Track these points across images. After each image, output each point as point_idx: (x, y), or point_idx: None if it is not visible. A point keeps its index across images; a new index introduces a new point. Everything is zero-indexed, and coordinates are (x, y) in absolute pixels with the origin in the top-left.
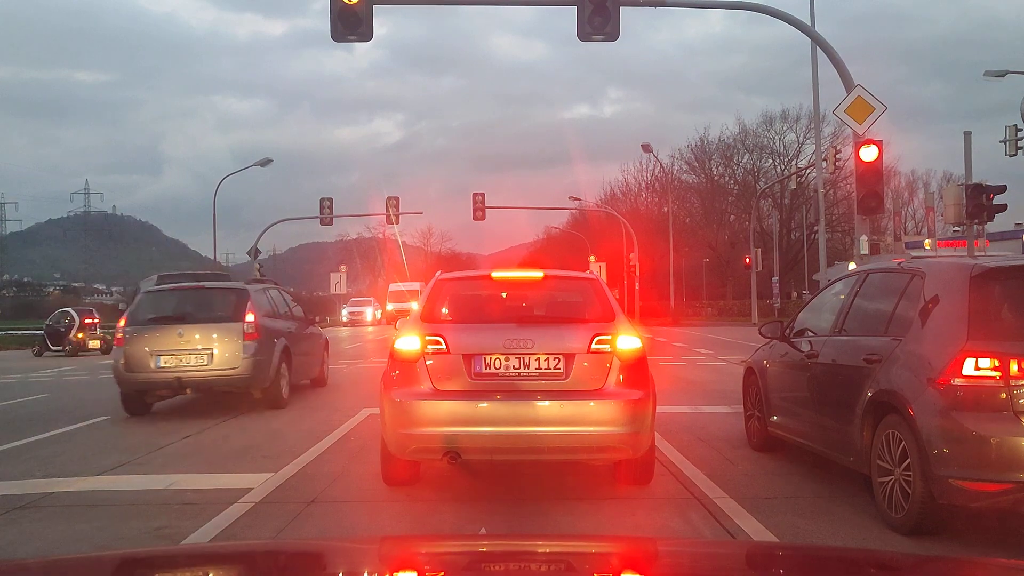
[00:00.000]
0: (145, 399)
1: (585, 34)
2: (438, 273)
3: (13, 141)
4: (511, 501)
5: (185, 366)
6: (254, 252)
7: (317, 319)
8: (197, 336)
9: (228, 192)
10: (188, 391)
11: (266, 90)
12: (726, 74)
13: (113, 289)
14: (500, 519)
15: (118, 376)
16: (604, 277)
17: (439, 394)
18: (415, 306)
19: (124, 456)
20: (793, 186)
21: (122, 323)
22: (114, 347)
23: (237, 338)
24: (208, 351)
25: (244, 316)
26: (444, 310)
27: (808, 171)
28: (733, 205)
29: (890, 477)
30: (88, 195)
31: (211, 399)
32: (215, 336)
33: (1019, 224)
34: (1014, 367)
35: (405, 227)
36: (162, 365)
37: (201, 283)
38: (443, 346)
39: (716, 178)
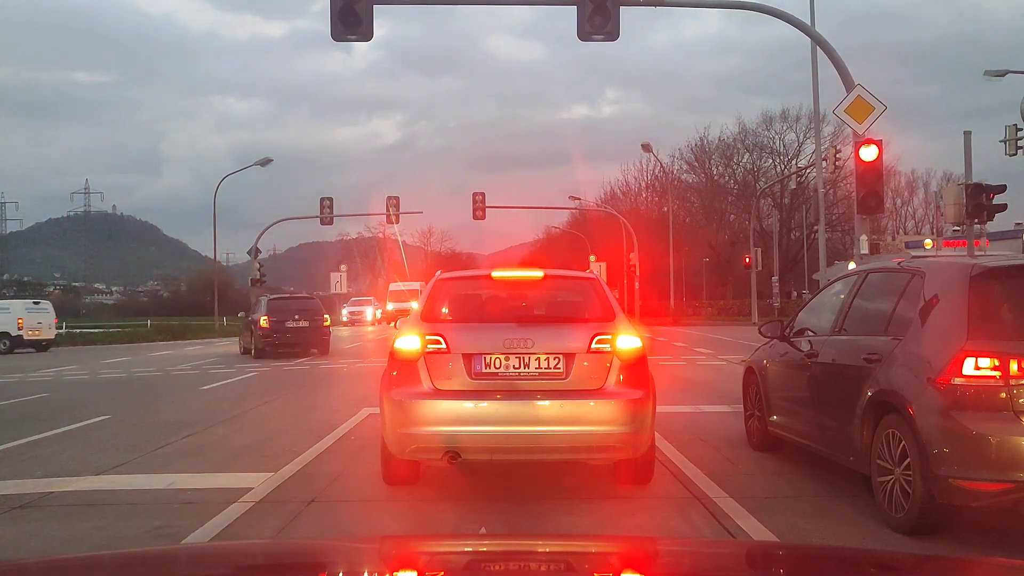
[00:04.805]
0: None
1: (585, 33)
2: (438, 272)
3: (13, 141)
4: (511, 501)
5: None
6: (254, 252)
7: None
8: None
9: (228, 192)
10: None
11: (265, 91)
12: (724, 75)
13: (113, 288)
14: (500, 519)
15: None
16: (604, 277)
17: (439, 393)
18: (415, 305)
19: (124, 456)
20: (793, 186)
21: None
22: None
23: None
24: None
25: None
26: (444, 309)
27: (808, 171)
28: (733, 205)
29: (890, 477)
30: (88, 195)
31: (212, 398)
32: None
33: (1019, 224)
34: (1014, 367)
35: (405, 227)
36: None
37: None
38: (443, 345)
39: (716, 178)
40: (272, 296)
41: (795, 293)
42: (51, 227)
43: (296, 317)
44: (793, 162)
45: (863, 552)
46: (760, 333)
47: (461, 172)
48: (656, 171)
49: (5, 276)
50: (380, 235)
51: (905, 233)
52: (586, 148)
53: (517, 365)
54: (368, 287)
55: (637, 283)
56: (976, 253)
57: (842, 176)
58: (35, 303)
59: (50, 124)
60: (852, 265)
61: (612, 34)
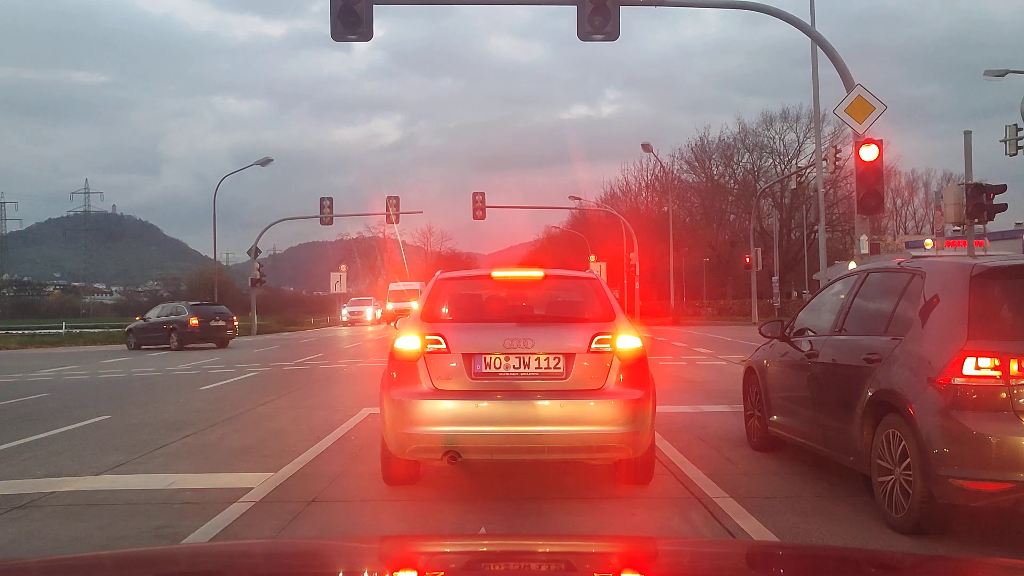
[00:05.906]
0: None
1: (585, 33)
2: (438, 272)
3: (13, 141)
4: (511, 501)
5: None
6: (254, 252)
7: None
8: None
9: (228, 192)
10: None
11: (265, 91)
12: (724, 75)
13: (113, 288)
14: (500, 519)
15: None
16: (604, 277)
17: (439, 393)
18: (415, 305)
19: (124, 456)
20: (793, 186)
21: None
22: None
23: None
24: None
25: None
26: (444, 309)
27: (808, 170)
28: (733, 205)
29: (890, 477)
30: (88, 195)
31: (212, 398)
32: None
33: (1019, 224)
34: (1014, 366)
35: (405, 227)
36: None
37: None
38: (443, 345)
39: (716, 178)
40: (192, 303)
41: (795, 293)
42: (51, 227)
43: (216, 318)
44: (793, 162)
45: (863, 552)
46: (760, 333)
47: (461, 172)
48: (656, 171)
49: (5, 276)
50: (380, 235)
51: (905, 233)
52: (586, 148)
53: (517, 365)
54: (368, 287)
55: (637, 283)
56: (976, 253)
57: (842, 176)
58: None
59: (50, 124)
60: (852, 265)
61: (612, 34)
